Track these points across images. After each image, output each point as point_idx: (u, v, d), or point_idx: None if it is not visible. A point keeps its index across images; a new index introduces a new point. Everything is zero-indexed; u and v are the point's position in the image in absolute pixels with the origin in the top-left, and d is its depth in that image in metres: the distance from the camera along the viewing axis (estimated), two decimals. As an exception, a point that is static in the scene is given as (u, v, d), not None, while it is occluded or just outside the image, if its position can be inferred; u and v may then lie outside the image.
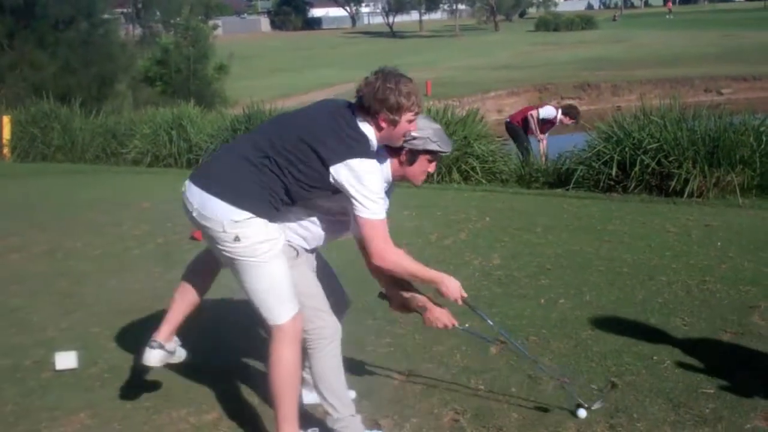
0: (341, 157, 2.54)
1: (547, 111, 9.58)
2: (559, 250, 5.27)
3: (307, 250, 2.84)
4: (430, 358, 3.62)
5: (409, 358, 3.64)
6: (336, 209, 2.73)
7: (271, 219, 2.61)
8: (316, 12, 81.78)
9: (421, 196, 7.21)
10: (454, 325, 2.93)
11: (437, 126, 2.78)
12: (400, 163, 2.75)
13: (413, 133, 2.68)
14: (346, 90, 18.62)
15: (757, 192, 6.78)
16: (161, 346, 2.94)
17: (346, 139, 2.57)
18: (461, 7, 70.23)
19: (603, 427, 2.94)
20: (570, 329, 3.88)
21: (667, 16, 60.37)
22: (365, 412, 3.04)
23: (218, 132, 10.18)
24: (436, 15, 78.05)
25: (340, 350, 2.82)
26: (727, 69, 24.57)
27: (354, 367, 2.94)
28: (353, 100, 2.69)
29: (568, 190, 7.39)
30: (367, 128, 2.62)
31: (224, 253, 2.61)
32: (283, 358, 2.64)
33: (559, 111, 9.62)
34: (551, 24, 55.28)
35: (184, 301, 2.97)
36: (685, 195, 6.68)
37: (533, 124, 9.41)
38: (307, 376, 2.99)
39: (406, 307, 2.97)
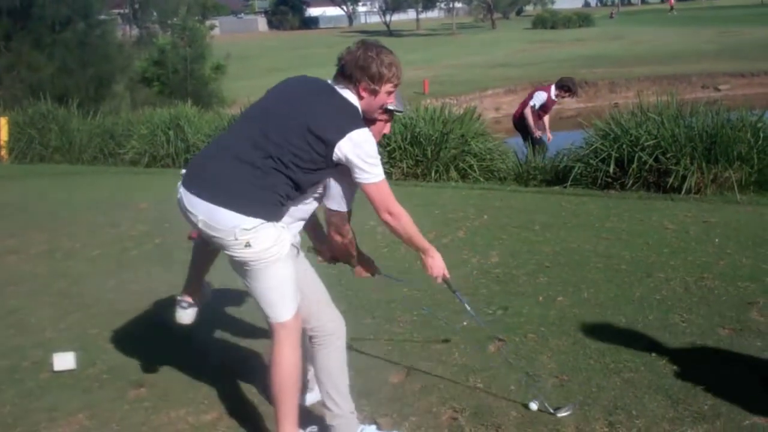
0: (342, 133, 2.54)
1: (539, 97, 9.33)
2: (557, 248, 5.27)
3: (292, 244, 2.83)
4: (429, 356, 3.62)
5: (407, 356, 3.64)
6: (337, 179, 2.71)
7: (279, 219, 2.61)
8: (313, 11, 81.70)
9: (418, 194, 7.21)
10: (377, 273, 3.14)
11: None
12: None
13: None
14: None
15: (755, 188, 6.76)
16: (191, 305, 3.05)
17: (342, 114, 2.59)
18: (458, 5, 70.13)
19: (602, 424, 2.94)
20: (568, 326, 3.88)
21: (669, 13, 60.21)
22: (364, 411, 3.05)
23: (215, 132, 10.15)
24: (433, 13, 78.18)
25: (345, 347, 2.84)
26: (725, 65, 24.53)
27: (352, 366, 2.94)
28: (329, 80, 2.69)
29: (565, 187, 7.38)
30: (352, 96, 2.64)
31: (234, 257, 2.60)
32: (285, 357, 2.65)
33: (552, 89, 9.32)
34: (548, 21, 55.25)
35: (202, 256, 3.00)
36: (683, 192, 6.67)
37: (529, 121, 9.22)
38: (307, 378, 2.99)
39: (334, 258, 3.03)
